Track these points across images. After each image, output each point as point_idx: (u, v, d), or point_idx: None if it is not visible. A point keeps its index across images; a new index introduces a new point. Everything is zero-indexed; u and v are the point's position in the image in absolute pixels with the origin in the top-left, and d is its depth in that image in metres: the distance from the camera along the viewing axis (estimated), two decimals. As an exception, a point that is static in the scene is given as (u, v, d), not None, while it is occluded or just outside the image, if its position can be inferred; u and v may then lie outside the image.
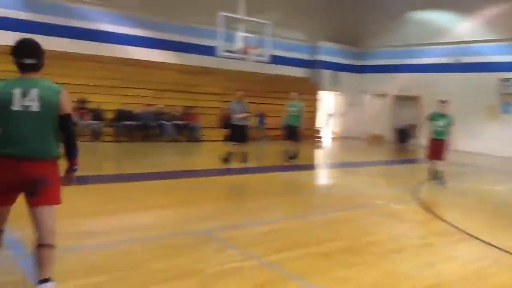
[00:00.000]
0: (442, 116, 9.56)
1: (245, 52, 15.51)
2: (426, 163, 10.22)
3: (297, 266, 4.45)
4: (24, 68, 3.31)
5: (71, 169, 3.52)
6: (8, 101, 3.20)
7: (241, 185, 9.20)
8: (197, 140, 16.48)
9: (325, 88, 22.68)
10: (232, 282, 3.99)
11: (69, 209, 6.15)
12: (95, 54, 16.19)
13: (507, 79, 18.07)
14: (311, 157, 15.50)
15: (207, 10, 16.82)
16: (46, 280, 3.25)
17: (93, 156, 12.92)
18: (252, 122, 18.29)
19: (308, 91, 20.14)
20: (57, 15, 15.59)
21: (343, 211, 7.08)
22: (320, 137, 21.44)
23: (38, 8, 15.25)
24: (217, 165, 10.83)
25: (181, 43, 18.30)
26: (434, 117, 9.67)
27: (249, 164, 11.22)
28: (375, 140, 21.95)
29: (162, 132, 15.96)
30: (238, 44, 15.39)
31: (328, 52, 22.80)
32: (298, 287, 4.06)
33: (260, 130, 18.27)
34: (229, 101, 11.69)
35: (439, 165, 9.65)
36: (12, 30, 13.74)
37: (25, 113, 3.21)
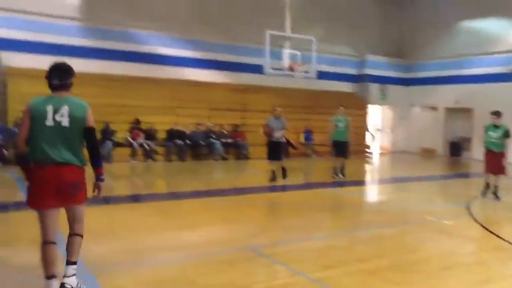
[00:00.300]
0: (496, 127, 9.29)
1: (291, 69, 15.74)
2: (482, 176, 9.91)
3: (344, 283, 4.47)
4: (53, 88, 3.81)
5: (98, 178, 3.96)
6: (43, 117, 3.68)
7: (288, 202, 9.26)
8: (245, 157, 16.73)
9: (373, 102, 22.45)
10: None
11: (125, 226, 6.50)
12: (150, 76, 16.90)
13: None
14: (359, 172, 15.34)
15: (254, 29, 17.32)
16: (73, 263, 3.84)
17: (146, 175, 13.45)
18: (300, 138, 18.46)
19: (355, 105, 20.01)
20: (114, 40, 16.46)
21: (392, 228, 7.00)
22: (369, 152, 21.17)
23: (96, 34, 16.15)
24: (264, 182, 10.97)
25: (230, 62, 18.79)
26: (488, 128, 9.42)
27: (297, 181, 11.26)
28: (427, 154, 21.41)
29: (211, 151, 16.34)
30: (285, 62, 15.66)
31: (376, 65, 22.57)
32: (344, 303, 4.09)
33: (308, 146, 18.33)
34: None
35: (496, 180, 9.35)
36: (71, 56, 14.62)
37: (57, 127, 3.70)
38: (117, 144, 14.82)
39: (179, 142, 15.80)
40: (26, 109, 3.74)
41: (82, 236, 3.94)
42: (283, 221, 7.48)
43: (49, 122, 3.68)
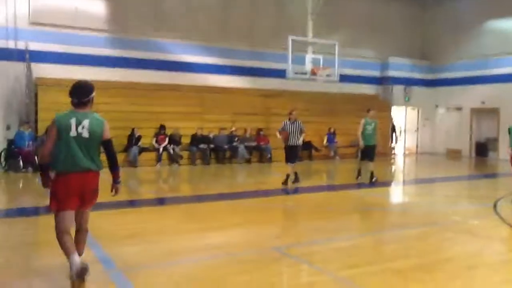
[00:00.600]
0: (520, 128, 9.17)
1: (314, 73, 15.80)
2: (509, 177, 9.79)
3: (370, 281, 4.54)
4: (74, 105, 4.33)
5: (115, 181, 4.53)
6: (68, 129, 4.20)
7: (312, 203, 9.29)
8: (268, 160, 16.84)
9: (397, 104, 22.28)
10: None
11: (153, 228, 6.68)
12: (175, 83, 17.18)
13: None
14: (385, 174, 15.26)
15: (277, 35, 17.50)
16: (79, 254, 4.32)
17: (172, 179, 13.68)
18: (324, 140, 18.49)
19: (379, 108, 19.87)
20: (139, 49, 16.76)
21: (418, 228, 7.00)
22: (393, 154, 21.01)
23: (122, 44, 16.47)
24: (288, 184, 11.03)
25: (253, 68, 18.94)
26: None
27: (321, 182, 11.28)
28: (452, 154, 21.13)
29: (235, 154, 16.51)
30: (307, 66, 15.74)
31: (399, 67, 22.39)
32: (369, 301, 4.15)
33: (331, 148, 18.34)
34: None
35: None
36: (99, 66, 15.19)
37: (79, 137, 4.22)
38: (143, 149, 15.17)
39: (203, 146, 16.03)
40: (53, 123, 4.25)
41: (88, 230, 4.56)
42: (307, 223, 7.55)
43: (73, 133, 4.20)
